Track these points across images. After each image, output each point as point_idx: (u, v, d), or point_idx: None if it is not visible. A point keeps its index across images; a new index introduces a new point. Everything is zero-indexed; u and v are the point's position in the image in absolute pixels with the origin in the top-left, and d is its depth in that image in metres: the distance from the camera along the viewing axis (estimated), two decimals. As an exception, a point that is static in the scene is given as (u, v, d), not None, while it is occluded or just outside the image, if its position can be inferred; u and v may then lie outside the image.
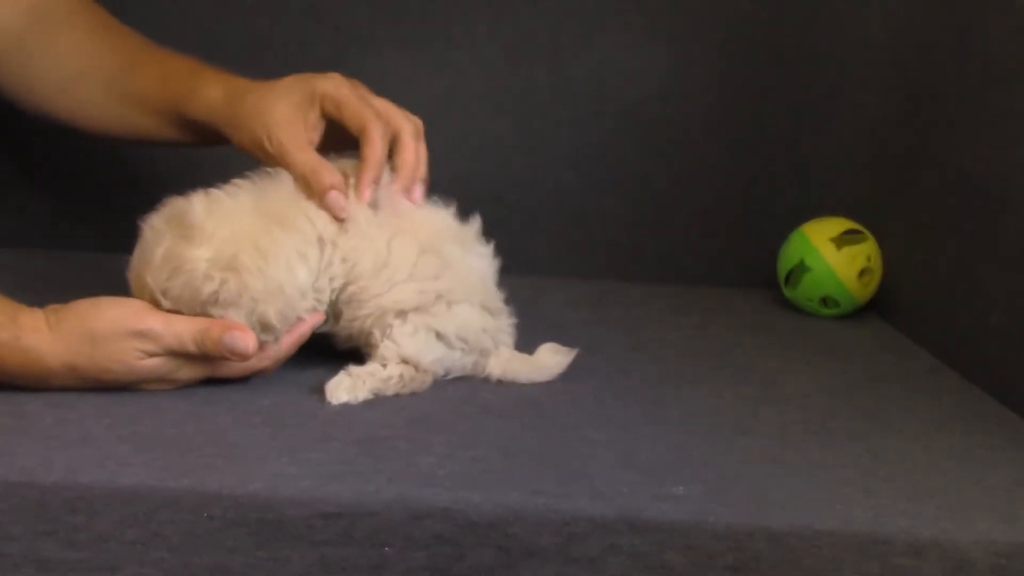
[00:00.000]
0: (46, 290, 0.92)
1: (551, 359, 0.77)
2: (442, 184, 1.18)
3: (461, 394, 0.73)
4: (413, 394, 0.72)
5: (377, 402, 0.70)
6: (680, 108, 1.12)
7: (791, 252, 1.01)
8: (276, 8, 1.12)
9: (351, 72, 1.12)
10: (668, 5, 1.10)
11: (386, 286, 0.72)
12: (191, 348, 0.68)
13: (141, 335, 0.67)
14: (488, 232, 0.79)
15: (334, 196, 0.74)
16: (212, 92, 0.83)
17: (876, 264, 1.01)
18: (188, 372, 0.70)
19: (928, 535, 0.55)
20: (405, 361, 0.72)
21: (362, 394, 0.69)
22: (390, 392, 0.71)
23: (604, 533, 0.55)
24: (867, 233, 1.01)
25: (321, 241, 0.72)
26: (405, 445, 0.62)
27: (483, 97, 1.12)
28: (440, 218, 0.77)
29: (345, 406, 0.69)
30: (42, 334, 0.67)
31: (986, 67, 0.85)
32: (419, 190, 0.78)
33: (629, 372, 0.80)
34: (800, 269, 1.00)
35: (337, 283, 0.72)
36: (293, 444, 0.62)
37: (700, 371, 0.81)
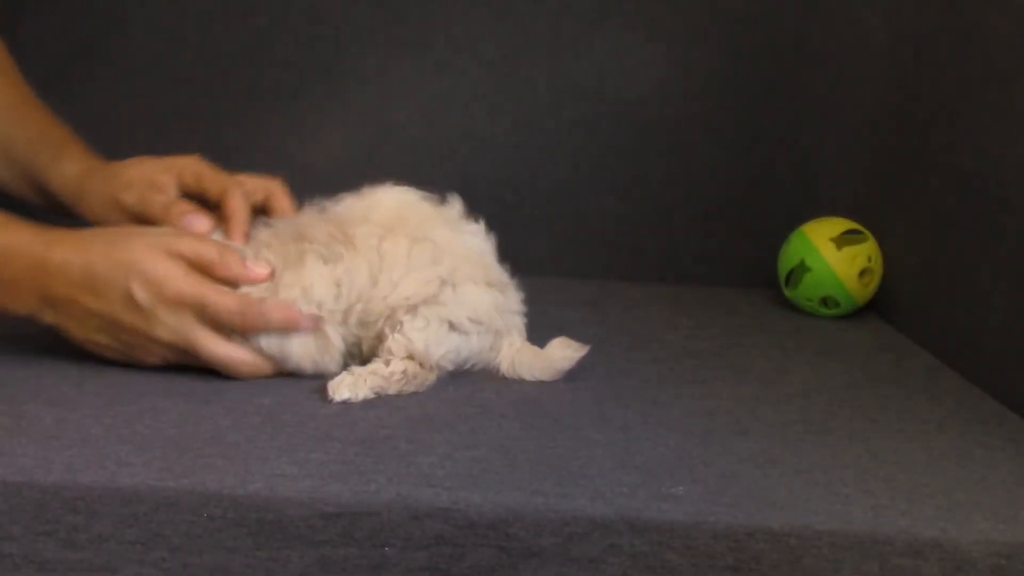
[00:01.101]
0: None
1: (561, 352, 0.77)
2: (442, 184, 1.18)
3: (461, 394, 0.73)
4: (414, 393, 0.72)
5: (377, 402, 0.70)
6: (680, 108, 1.12)
7: (791, 252, 1.01)
8: (276, 8, 1.12)
9: (351, 72, 1.13)
10: (668, 5, 1.10)
11: (389, 287, 0.72)
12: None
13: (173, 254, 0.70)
14: (488, 232, 0.79)
15: (190, 217, 0.76)
16: (71, 167, 0.85)
17: (876, 264, 1.01)
18: (174, 323, 0.70)
19: (928, 535, 0.55)
20: (411, 357, 0.72)
21: (363, 392, 0.69)
22: (392, 390, 0.71)
23: (604, 533, 0.55)
24: (867, 233, 1.01)
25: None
26: (405, 445, 0.62)
27: (483, 97, 1.12)
28: (419, 206, 0.78)
29: (345, 406, 0.69)
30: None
31: (986, 67, 0.85)
32: None
33: (629, 372, 0.80)
34: (800, 269, 1.00)
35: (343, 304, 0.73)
36: (293, 444, 0.62)
37: (700, 371, 0.81)
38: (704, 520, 0.55)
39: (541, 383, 0.76)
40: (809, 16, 1.09)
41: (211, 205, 0.79)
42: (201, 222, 0.76)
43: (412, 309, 0.72)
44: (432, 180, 1.16)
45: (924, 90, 0.98)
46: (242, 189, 0.78)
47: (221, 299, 0.70)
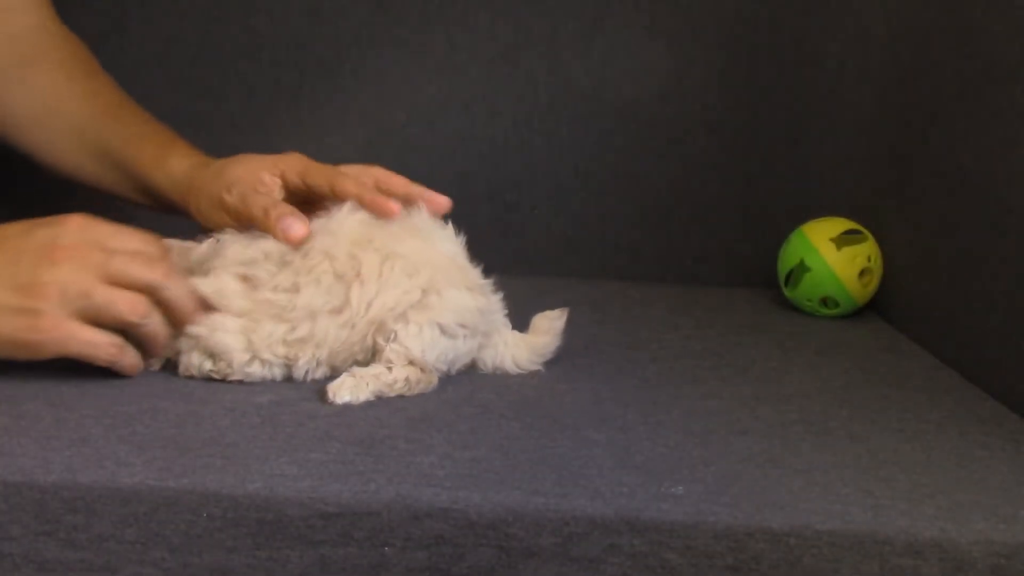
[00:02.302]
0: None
1: (548, 324, 0.78)
2: (442, 184, 1.18)
3: (461, 394, 0.73)
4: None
5: (377, 402, 0.70)
6: (680, 108, 1.12)
7: (791, 252, 1.01)
8: (276, 8, 1.12)
9: (351, 72, 1.13)
10: (668, 5, 1.10)
11: (364, 307, 0.72)
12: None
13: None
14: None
15: (288, 220, 0.74)
16: (179, 164, 0.84)
17: (876, 264, 1.01)
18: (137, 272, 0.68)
19: (928, 535, 0.55)
20: (411, 363, 0.71)
21: (364, 395, 0.69)
22: (393, 394, 0.71)
23: (603, 533, 0.55)
24: (867, 233, 1.01)
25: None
26: (405, 445, 0.62)
27: (483, 97, 1.13)
28: (379, 221, 0.76)
29: (345, 406, 0.69)
30: None
31: (986, 67, 0.85)
32: (441, 198, 0.79)
33: (628, 372, 0.80)
34: (800, 269, 1.00)
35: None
36: (292, 444, 0.62)
37: (700, 371, 0.81)
38: (704, 520, 0.55)
39: (541, 383, 0.76)
40: (809, 16, 1.09)
41: (321, 199, 0.78)
42: (298, 226, 0.73)
43: (402, 317, 0.72)
44: (432, 180, 1.16)
45: (924, 90, 0.98)
46: (351, 177, 0.77)
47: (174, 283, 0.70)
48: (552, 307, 0.87)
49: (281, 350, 0.71)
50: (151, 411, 0.66)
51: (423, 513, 0.55)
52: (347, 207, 0.75)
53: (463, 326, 0.74)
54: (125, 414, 0.65)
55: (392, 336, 0.71)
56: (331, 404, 0.68)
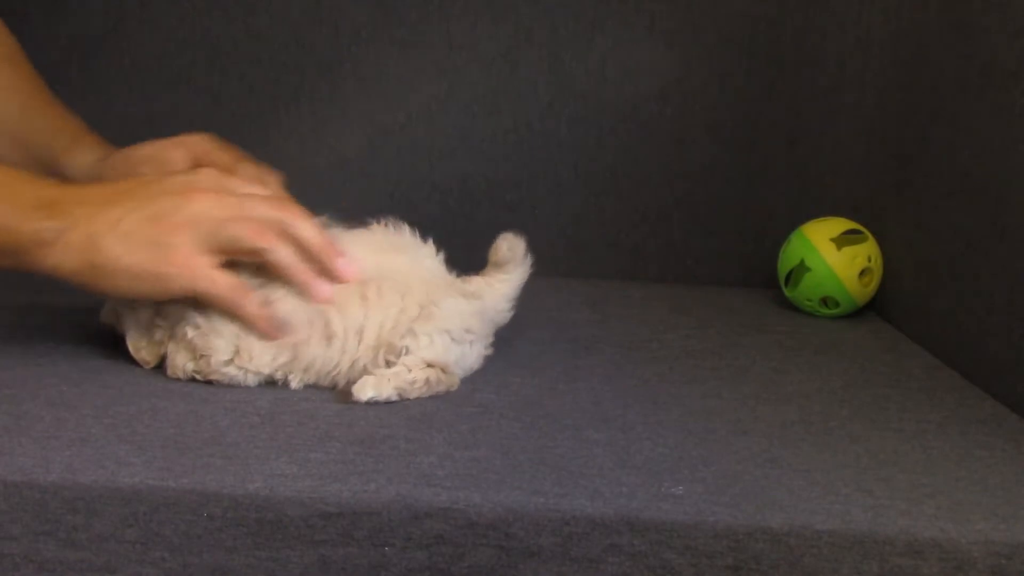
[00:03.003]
0: (45, 290, 0.92)
1: (505, 249, 0.77)
2: (442, 184, 1.18)
3: (461, 394, 0.73)
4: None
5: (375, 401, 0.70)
6: (680, 108, 1.12)
7: (791, 252, 1.01)
8: (276, 8, 1.12)
9: (351, 72, 1.13)
10: (668, 5, 1.10)
11: (352, 332, 0.71)
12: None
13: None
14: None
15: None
16: (85, 156, 0.85)
17: (876, 264, 1.01)
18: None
19: (928, 535, 0.55)
20: (430, 365, 0.71)
21: (387, 391, 0.69)
22: (414, 395, 0.70)
23: (603, 533, 0.55)
24: (867, 233, 1.01)
25: None
26: (405, 445, 0.62)
27: (483, 97, 1.13)
28: (362, 238, 0.76)
29: (345, 406, 0.69)
30: None
31: (986, 67, 0.85)
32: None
33: (629, 372, 0.80)
34: (800, 269, 1.00)
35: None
36: (293, 444, 0.62)
37: (700, 371, 0.81)
38: (704, 520, 0.55)
39: (540, 383, 0.76)
40: (809, 16, 1.09)
41: None
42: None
43: (409, 332, 0.71)
44: (432, 180, 1.16)
45: (924, 90, 0.98)
46: (249, 170, 0.79)
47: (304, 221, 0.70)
48: (552, 307, 0.87)
49: (267, 370, 0.71)
50: (151, 411, 0.66)
51: (423, 513, 0.55)
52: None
53: (468, 331, 0.74)
54: (125, 414, 0.65)
55: (404, 351, 0.71)
56: (356, 403, 0.68)
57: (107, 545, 0.56)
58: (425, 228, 0.78)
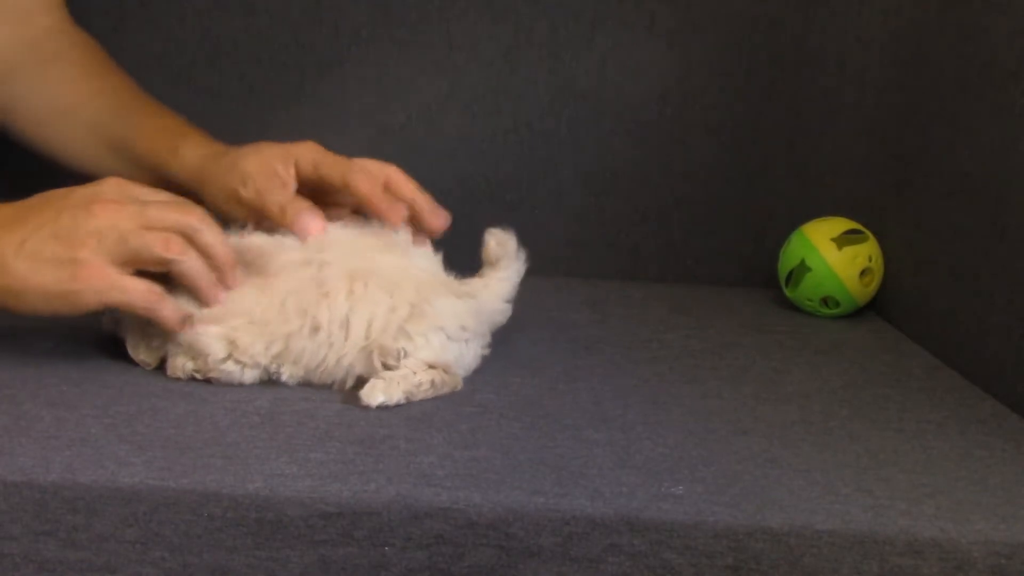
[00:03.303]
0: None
1: (494, 245, 0.78)
2: (443, 184, 1.18)
3: (461, 394, 0.73)
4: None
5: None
6: (680, 108, 1.12)
7: (792, 252, 1.01)
8: (276, 8, 1.12)
9: (351, 72, 1.13)
10: (668, 5, 1.10)
11: (337, 325, 0.71)
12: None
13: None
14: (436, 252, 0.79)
15: (304, 218, 0.75)
16: (192, 153, 0.85)
17: (877, 264, 1.00)
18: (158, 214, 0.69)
19: (928, 535, 0.55)
20: (432, 366, 0.71)
21: (397, 395, 0.68)
22: (420, 397, 0.70)
23: (603, 533, 0.55)
24: (868, 233, 1.01)
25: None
26: (405, 445, 0.62)
27: (483, 97, 1.12)
28: (351, 236, 0.76)
29: (344, 405, 0.69)
30: None
31: (986, 67, 0.85)
32: (441, 216, 0.79)
33: (629, 372, 0.80)
34: (801, 269, 1.00)
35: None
36: (292, 444, 0.62)
37: (700, 371, 0.81)
38: (704, 520, 0.55)
39: (540, 383, 0.76)
40: (809, 16, 1.09)
41: (333, 191, 0.79)
42: (315, 222, 0.75)
43: (402, 333, 0.71)
44: (432, 180, 1.16)
45: (924, 90, 0.98)
46: (365, 172, 0.78)
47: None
48: (552, 307, 0.87)
49: (263, 360, 0.71)
50: (151, 411, 0.66)
51: (423, 513, 0.55)
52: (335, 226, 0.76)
53: (464, 329, 0.74)
54: (125, 414, 0.65)
55: (402, 354, 0.70)
56: (367, 408, 0.67)
57: (107, 545, 0.56)
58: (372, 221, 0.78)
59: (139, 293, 0.68)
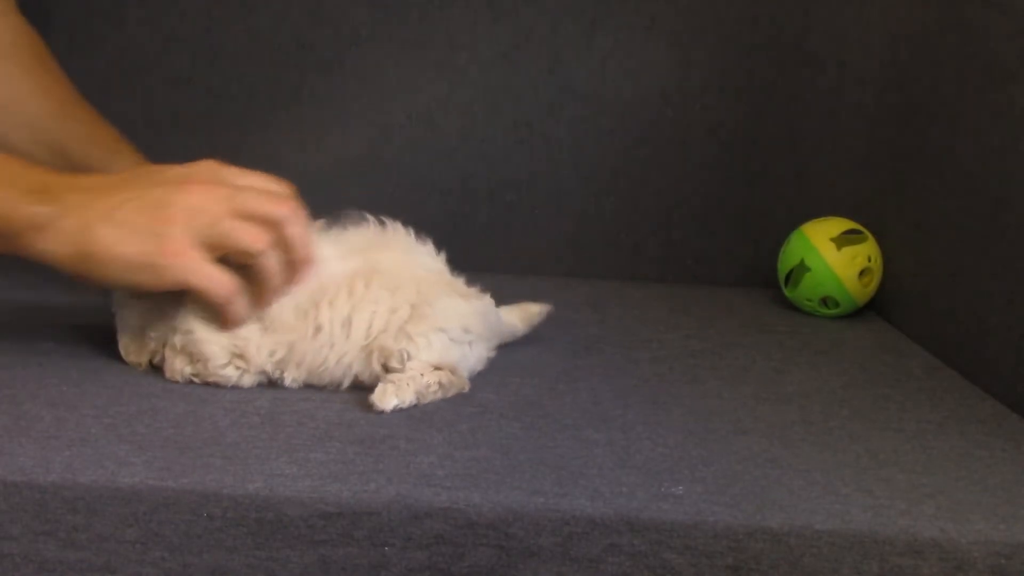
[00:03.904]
0: (45, 289, 0.92)
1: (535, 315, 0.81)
2: (443, 184, 1.18)
3: (461, 394, 0.73)
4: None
5: (376, 402, 0.70)
6: (680, 108, 1.12)
7: (791, 252, 1.01)
8: (276, 8, 1.12)
9: (351, 72, 1.13)
10: (668, 5, 1.10)
11: (339, 326, 0.71)
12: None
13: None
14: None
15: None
16: (123, 165, 0.86)
17: (876, 264, 1.01)
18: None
19: (928, 535, 0.55)
20: (438, 367, 0.71)
21: (409, 397, 0.68)
22: (429, 399, 0.70)
23: (603, 533, 0.55)
24: (867, 233, 1.01)
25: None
26: (405, 445, 0.62)
27: (483, 97, 1.13)
28: (353, 236, 0.76)
29: (344, 405, 0.69)
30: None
31: (986, 67, 0.85)
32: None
33: (629, 372, 0.80)
34: (800, 269, 1.00)
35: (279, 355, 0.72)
36: (292, 444, 0.62)
37: (700, 371, 0.81)
38: (703, 520, 0.55)
39: (541, 383, 0.76)
40: (809, 16, 1.09)
41: None
42: None
43: (402, 334, 0.71)
44: (432, 180, 1.16)
45: (924, 90, 0.98)
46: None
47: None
48: (553, 307, 0.87)
49: (267, 367, 0.71)
50: (151, 411, 0.66)
51: (423, 513, 0.55)
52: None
53: (467, 331, 0.74)
54: (125, 414, 0.65)
55: (405, 355, 0.70)
56: (381, 413, 0.67)
57: (107, 545, 0.56)
58: (425, 228, 0.78)
59: (220, 283, 0.68)
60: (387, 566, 0.55)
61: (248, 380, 0.71)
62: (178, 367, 0.71)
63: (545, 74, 1.12)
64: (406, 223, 0.78)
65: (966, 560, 0.54)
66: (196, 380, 0.71)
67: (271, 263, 0.69)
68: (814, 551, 0.55)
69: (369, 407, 0.67)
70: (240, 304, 0.69)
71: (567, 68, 1.12)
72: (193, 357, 0.71)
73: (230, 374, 0.71)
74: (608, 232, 1.14)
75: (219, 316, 0.70)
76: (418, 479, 0.58)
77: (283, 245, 0.70)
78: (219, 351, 0.70)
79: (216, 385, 0.71)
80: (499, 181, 1.14)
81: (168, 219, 0.67)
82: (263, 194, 0.70)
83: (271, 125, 1.14)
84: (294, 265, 0.70)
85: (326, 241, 0.74)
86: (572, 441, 0.65)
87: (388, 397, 0.67)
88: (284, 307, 0.71)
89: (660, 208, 1.14)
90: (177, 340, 0.71)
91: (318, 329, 0.71)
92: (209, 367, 0.70)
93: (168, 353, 0.72)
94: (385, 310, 0.71)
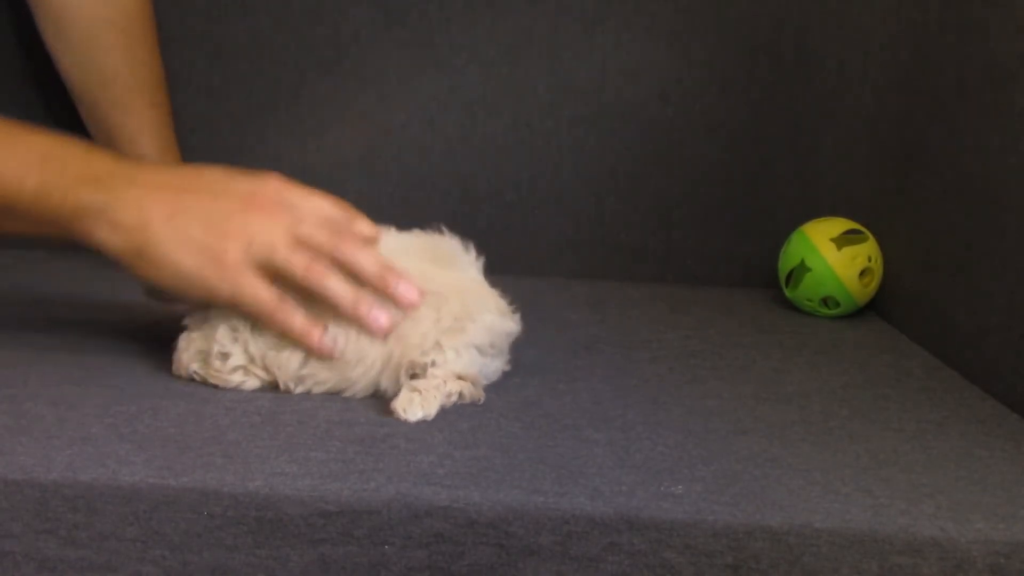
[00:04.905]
0: (46, 289, 0.92)
1: None
2: (443, 184, 1.18)
3: (461, 393, 0.73)
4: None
5: (376, 400, 0.70)
6: (680, 108, 1.12)
7: (792, 252, 1.01)
8: (276, 8, 1.12)
9: (351, 72, 1.13)
10: (668, 5, 1.10)
11: (382, 358, 0.70)
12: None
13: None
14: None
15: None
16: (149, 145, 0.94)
17: (877, 264, 1.01)
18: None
19: (927, 534, 0.55)
20: (461, 377, 0.70)
21: (434, 408, 0.67)
22: (449, 405, 0.69)
23: (603, 532, 0.55)
24: (867, 233, 1.01)
25: None
26: (405, 444, 0.63)
27: (483, 97, 1.13)
28: (401, 246, 0.75)
29: (345, 405, 0.69)
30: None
31: (986, 67, 0.86)
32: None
33: (628, 372, 0.80)
34: (801, 269, 1.00)
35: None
36: (293, 443, 0.62)
37: (700, 371, 0.81)
38: (703, 519, 0.55)
39: (540, 383, 0.76)
40: (809, 16, 1.10)
41: None
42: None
43: (435, 346, 0.70)
44: (432, 180, 1.16)
45: (924, 90, 0.98)
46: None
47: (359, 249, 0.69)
48: (552, 307, 0.87)
49: (290, 381, 0.71)
50: (152, 410, 0.66)
51: (423, 512, 0.55)
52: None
53: (493, 346, 0.73)
54: (126, 413, 0.65)
55: (432, 363, 0.69)
56: (405, 422, 0.66)
57: (108, 543, 0.56)
58: (425, 228, 0.78)
59: (269, 304, 0.68)
60: (387, 565, 0.56)
61: (251, 384, 0.71)
62: (185, 361, 0.71)
63: (545, 74, 1.12)
64: (406, 223, 0.78)
65: (966, 559, 0.54)
66: (196, 378, 0.71)
67: (334, 291, 0.68)
68: (814, 550, 0.55)
69: (389, 412, 0.67)
70: (300, 318, 0.68)
71: (567, 68, 1.12)
72: (204, 355, 0.71)
73: (237, 379, 0.71)
74: (608, 232, 1.14)
75: (308, 348, 0.69)
76: (418, 478, 0.58)
77: (351, 272, 0.69)
78: (239, 353, 0.70)
79: (216, 387, 0.71)
80: (499, 181, 1.14)
81: (226, 237, 0.67)
82: (325, 225, 0.69)
83: (271, 125, 1.14)
84: (376, 288, 0.69)
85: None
86: (572, 441, 0.65)
87: (415, 407, 0.67)
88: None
89: (660, 208, 1.14)
90: (219, 332, 0.70)
91: (360, 362, 0.70)
92: (216, 365, 0.70)
93: (181, 344, 0.72)
94: (428, 326, 0.70)
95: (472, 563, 0.55)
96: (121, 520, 0.56)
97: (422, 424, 0.66)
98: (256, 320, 0.69)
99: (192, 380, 0.72)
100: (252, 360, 0.70)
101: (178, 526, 0.56)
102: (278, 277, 0.68)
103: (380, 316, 0.69)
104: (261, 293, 0.68)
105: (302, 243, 0.68)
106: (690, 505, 0.56)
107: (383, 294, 0.69)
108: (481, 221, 1.14)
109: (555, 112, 1.12)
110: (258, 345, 0.70)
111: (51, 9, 0.99)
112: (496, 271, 0.79)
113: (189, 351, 0.71)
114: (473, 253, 0.77)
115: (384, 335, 0.69)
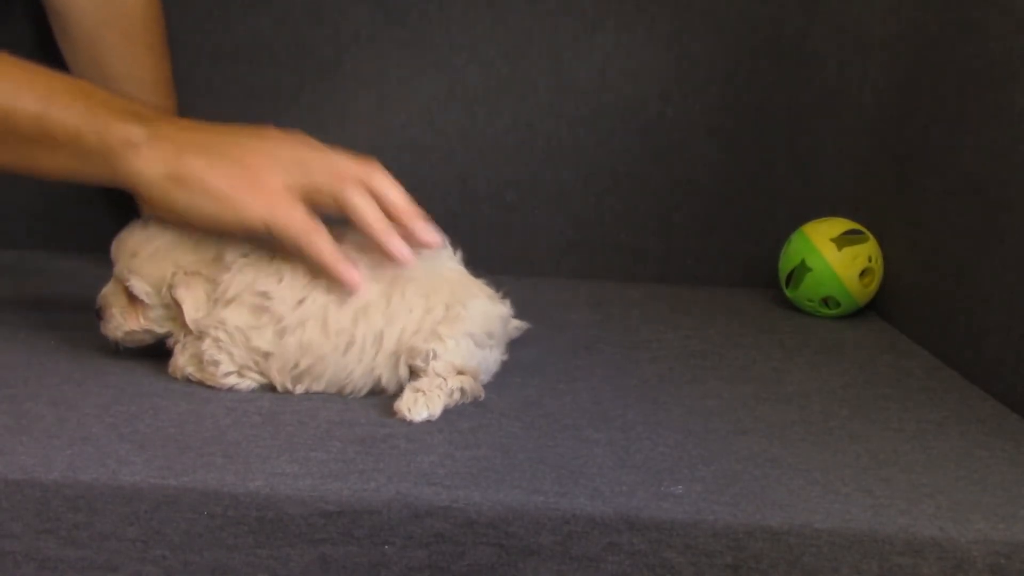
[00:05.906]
0: (46, 289, 0.92)
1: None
2: (443, 184, 1.18)
3: (461, 393, 0.73)
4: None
5: (376, 400, 0.70)
6: (680, 108, 1.12)
7: (792, 252, 1.01)
8: (276, 8, 1.12)
9: (351, 72, 1.13)
10: (668, 5, 1.10)
11: (371, 339, 0.70)
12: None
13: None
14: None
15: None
16: None
17: (877, 264, 1.01)
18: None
19: (927, 534, 0.55)
20: (461, 372, 0.70)
21: (439, 408, 0.67)
22: (451, 405, 0.69)
23: (603, 532, 0.55)
24: (868, 233, 1.01)
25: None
26: (405, 444, 0.63)
27: (483, 97, 1.13)
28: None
29: (345, 405, 0.69)
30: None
31: (986, 67, 0.86)
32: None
33: (629, 372, 0.80)
34: (801, 269, 1.00)
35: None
36: (293, 443, 0.62)
37: (700, 371, 0.81)
38: (703, 519, 0.55)
39: (540, 383, 0.76)
40: (809, 16, 1.09)
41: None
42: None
43: (433, 335, 0.70)
44: (432, 180, 1.16)
45: (924, 90, 0.98)
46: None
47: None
48: (552, 307, 0.87)
49: (286, 381, 0.70)
50: (152, 410, 0.66)
51: (423, 512, 0.55)
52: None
53: (490, 335, 0.73)
54: (126, 413, 0.65)
55: (432, 354, 0.69)
56: (410, 423, 0.66)
57: (108, 543, 0.56)
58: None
59: (303, 227, 0.68)
60: (387, 564, 0.56)
61: (246, 385, 0.71)
62: (181, 363, 0.71)
63: (545, 74, 1.12)
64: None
65: (966, 559, 0.54)
66: (193, 380, 0.71)
67: (365, 207, 0.69)
68: (814, 550, 0.55)
69: (390, 413, 0.67)
70: (328, 243, 0.68)
71: (567, 68, 1.12)
72: (198, 360, 0.70)
73: (232, 381, 0.71)
74: (608, 232, 1.14)
75: (320, 264, 0.68)
76: (418, 478, 0.58)
77: (379, 201, 0.70)
78: (223, 357, 0.70)
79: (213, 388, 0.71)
80: (499, 181, 1.14)
81: (260, 158, 0.68)
82: (353, 158, 0.71)
83: (271, 125, 1.14)
84: (401, 222, 0.70)
85: (356, 253, 0.72)
86: (572, 441, 0.65)
87: (419, 407, 0.67)
88: (314, 326, 0.70)
89: (660, 208, 1.14)
90: (215, 334, 0.70)
91: (350, 344, 0.70)
92: (210, 370, 0.70)
93: (177, 347, 0.72)
94: (419, 314, 0.71)
95: (472, 563, 0.55)
96: (122, 520, 0.56)
97: (422, 424, 0.66)
98: (286, 246, 0.69)
99: (189, 381, 0.72)
100: (244, 365, 0.70)
101: (179, 526, 0.56)
102: (312, 197, 0.69)
103: (404, 248, 0.70)
104: (296, 215, 0.68)
105: (337, 172, 0.69)
106: (690, 505, 0.56)
107: (407, 228, 0.70)
108: (481, 221, 1.14)
109: (555, 112, 1.12)
110: (242, 354, 0.70)
111: (57, 9, 1.00)
112: (496, 271, 0.79)
113: (184, 355, 0.71)
114: (447, 245, 0.76)
115: (405, 265, 0.70)
